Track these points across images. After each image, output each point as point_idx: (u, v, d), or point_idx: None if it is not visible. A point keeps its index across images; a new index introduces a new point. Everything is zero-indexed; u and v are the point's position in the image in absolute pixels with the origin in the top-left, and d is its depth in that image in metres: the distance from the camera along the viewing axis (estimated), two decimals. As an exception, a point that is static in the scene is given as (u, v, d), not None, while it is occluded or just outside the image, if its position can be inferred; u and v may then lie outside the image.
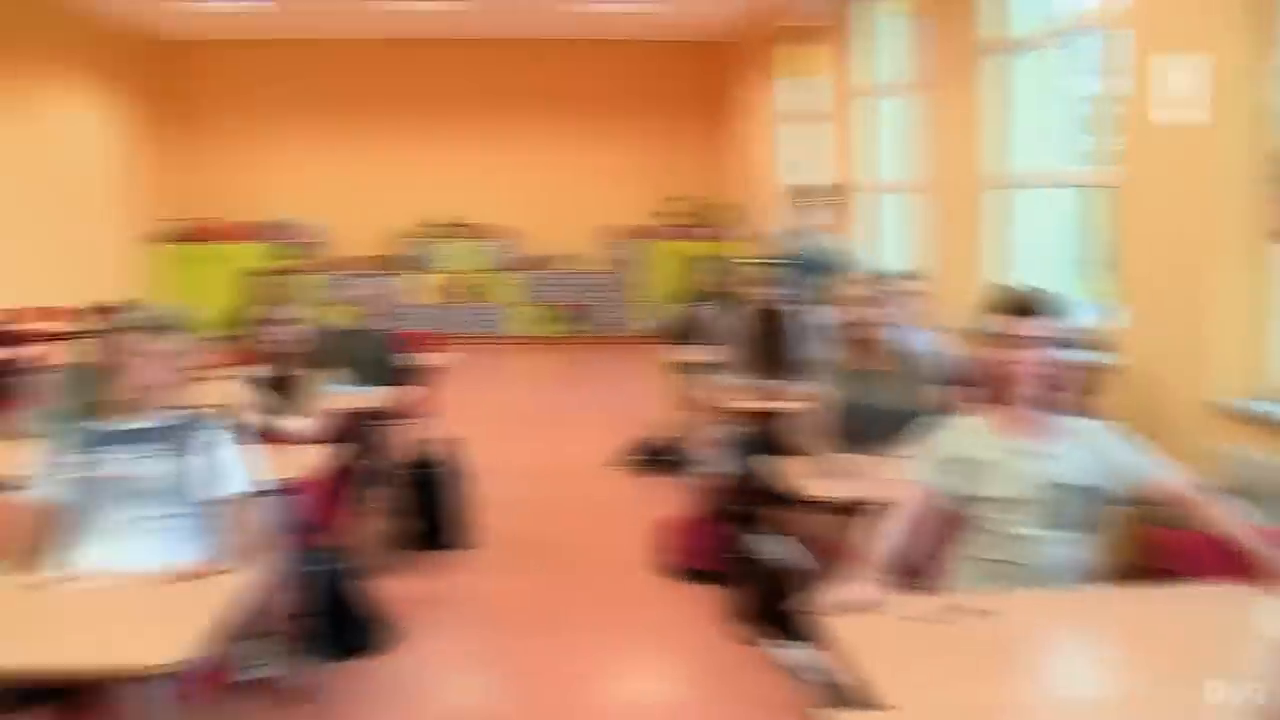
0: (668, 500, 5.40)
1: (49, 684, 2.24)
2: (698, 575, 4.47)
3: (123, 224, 11.30)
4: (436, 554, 4.82)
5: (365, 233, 12.04)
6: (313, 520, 3.50)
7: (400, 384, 5.05)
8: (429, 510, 4.89)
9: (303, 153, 12.18)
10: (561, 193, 12.18)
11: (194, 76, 12.16)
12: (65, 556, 2.67)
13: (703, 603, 4.26)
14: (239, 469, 2.81)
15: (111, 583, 2.46)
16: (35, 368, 6.35)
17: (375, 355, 5.13)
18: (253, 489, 2.81)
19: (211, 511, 2.75)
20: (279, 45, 11.92)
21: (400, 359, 5.29)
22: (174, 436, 2.76)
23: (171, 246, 11.77)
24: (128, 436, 2.75)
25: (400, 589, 4.27)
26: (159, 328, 2.78)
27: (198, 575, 2.47)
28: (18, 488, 2.79)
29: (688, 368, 5.92)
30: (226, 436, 2.84)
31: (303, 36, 11.72)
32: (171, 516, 2.72)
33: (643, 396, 8.29)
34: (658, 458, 6.34)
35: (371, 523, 4.75)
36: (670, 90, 12.13)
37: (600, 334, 11.85)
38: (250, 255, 10.77)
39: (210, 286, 9.45)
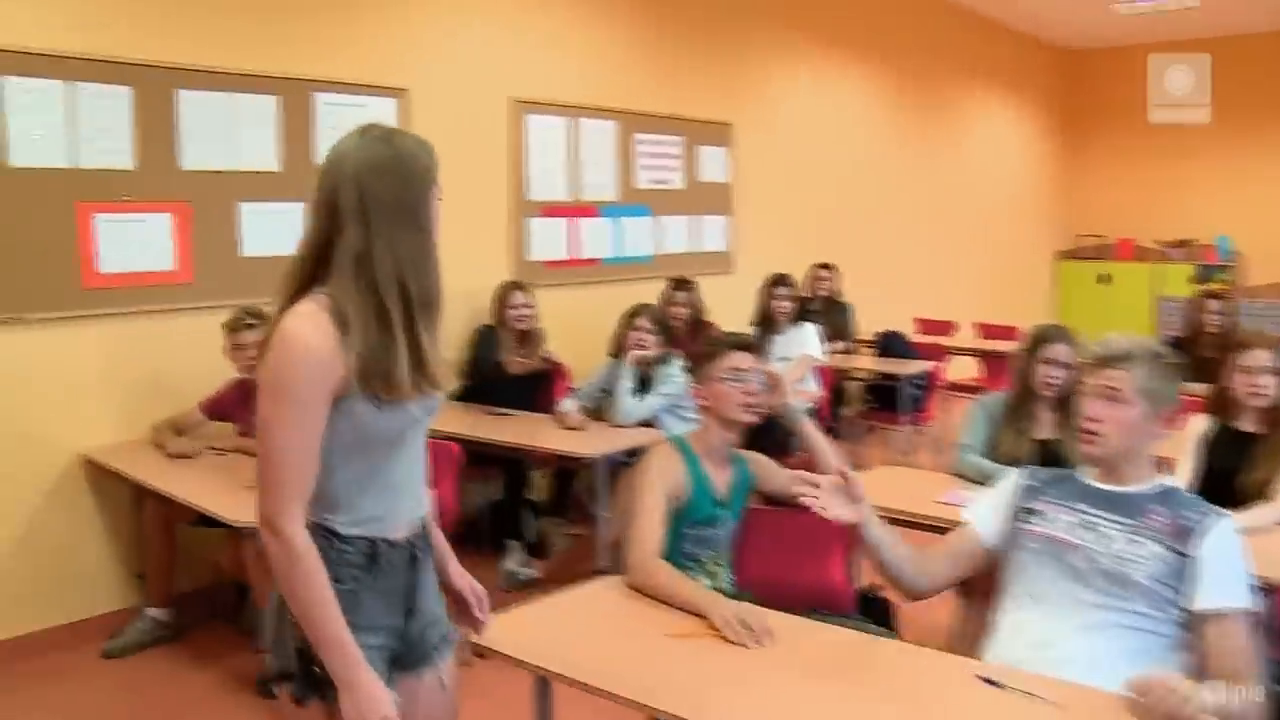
0: None
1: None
2: None
3: (1035, 239, 11.15)
4: None
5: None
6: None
7: None
8: None
9: (1218, 167, 10.81)
10: None
11: (1095, 86, 11.55)
12: (1004, 618, 2.22)
13: None
14: (1240, 574, 2.07)
15: (1047, 692, 1.84)
16: (943, 386, 6.24)
17: None
18: (1251, 603, 2.06)
19: (1188, 621, 2.06)
20: (1196, 46, 10.61)
21: None
22: (1149, 512, 2.14)
23: (1082, 265, 11.30)
24: (1092, 496, 2.21)
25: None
26: (1115, 361, 2.17)
27: (1163, 691, 1.74)
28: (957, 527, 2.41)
29: None
30: (1230, 528, 2.11)
31: (1227, 34, 10.32)
32: (1130, 613, 2.07)
33: None
34: None
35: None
36: None
37: None
38: (1168, 277, 10.17)
39: (1122, 310, 8.83)
